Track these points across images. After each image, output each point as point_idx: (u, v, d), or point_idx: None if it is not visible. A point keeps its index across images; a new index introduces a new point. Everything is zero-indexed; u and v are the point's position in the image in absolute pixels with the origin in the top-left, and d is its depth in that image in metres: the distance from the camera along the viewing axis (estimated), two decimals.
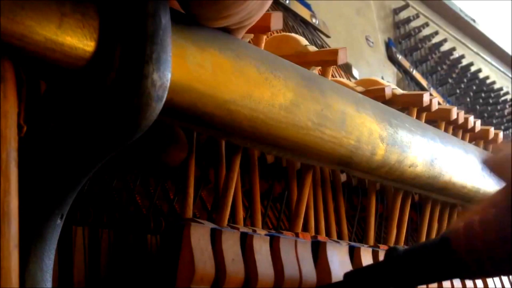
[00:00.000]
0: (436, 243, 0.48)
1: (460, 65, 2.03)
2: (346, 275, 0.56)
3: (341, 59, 0.76)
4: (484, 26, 2.14)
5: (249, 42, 0.68)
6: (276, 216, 0.78)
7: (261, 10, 0.49)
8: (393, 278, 0.50)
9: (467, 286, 0.86)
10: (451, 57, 1.99)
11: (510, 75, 2.35)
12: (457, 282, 0.85)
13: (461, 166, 0.82)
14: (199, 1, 0.46)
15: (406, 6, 1.81)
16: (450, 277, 0.50)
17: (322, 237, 0.71)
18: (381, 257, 0.74)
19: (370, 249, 0.73)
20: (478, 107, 2.05)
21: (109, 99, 0.41)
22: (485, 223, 0.45)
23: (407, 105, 0.87)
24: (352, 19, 1.55)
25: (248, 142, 0.57)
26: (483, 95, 2.10)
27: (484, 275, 0.47)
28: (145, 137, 0.45)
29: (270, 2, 0.49)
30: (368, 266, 0.57)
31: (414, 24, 1.84)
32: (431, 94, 0.92)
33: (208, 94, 0.48)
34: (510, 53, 2.30)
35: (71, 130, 0.42)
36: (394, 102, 0.85)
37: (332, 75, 0.88)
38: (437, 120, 0.93)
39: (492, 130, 1.05)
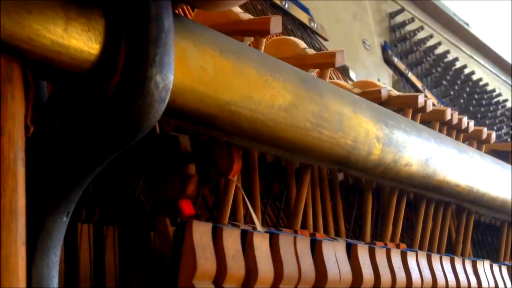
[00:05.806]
0: None
1: (454, 68, 2.05)
2: None
3: (338, 62, 0.77)
4: (477, 30, 2.16)
5: (249, 45, 0.69)
6: (276, 214, 0.79)
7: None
8: None
9: (462, 285, 0.87)
10: (446, 60, 2.01)
11: (502, 77, 2.37)
12: (452, 279, 0.86)
13: (455, 166, 0.83)
14: None
15: (402, 10, 1.83)
16: None
17: (320, 235, 0.72)
18: (378, 253, 0.75)
19: (367, 246, 0.75)
20: (471, 108, 2.07)
21: (113, 100, 0.42)
22: None
23: (402, 106, 0.88)
24: (349, 23, 1.57)
25: (248, 142, 0.58)
26: (476, 96, 2.12)
27: None
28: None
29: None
30: None
31: (410, 27, 1.86)
32: (426, 96, 0.94)
33: (210, 96, 0.49)
34: (502, 56, 2.32)
35: (76, 130, 0.43)
36: (390, 103, 0.87)
37: (330, 77, 0.90)
38: (431, 120, 0.95)
39: (485, 130, 1.07)
